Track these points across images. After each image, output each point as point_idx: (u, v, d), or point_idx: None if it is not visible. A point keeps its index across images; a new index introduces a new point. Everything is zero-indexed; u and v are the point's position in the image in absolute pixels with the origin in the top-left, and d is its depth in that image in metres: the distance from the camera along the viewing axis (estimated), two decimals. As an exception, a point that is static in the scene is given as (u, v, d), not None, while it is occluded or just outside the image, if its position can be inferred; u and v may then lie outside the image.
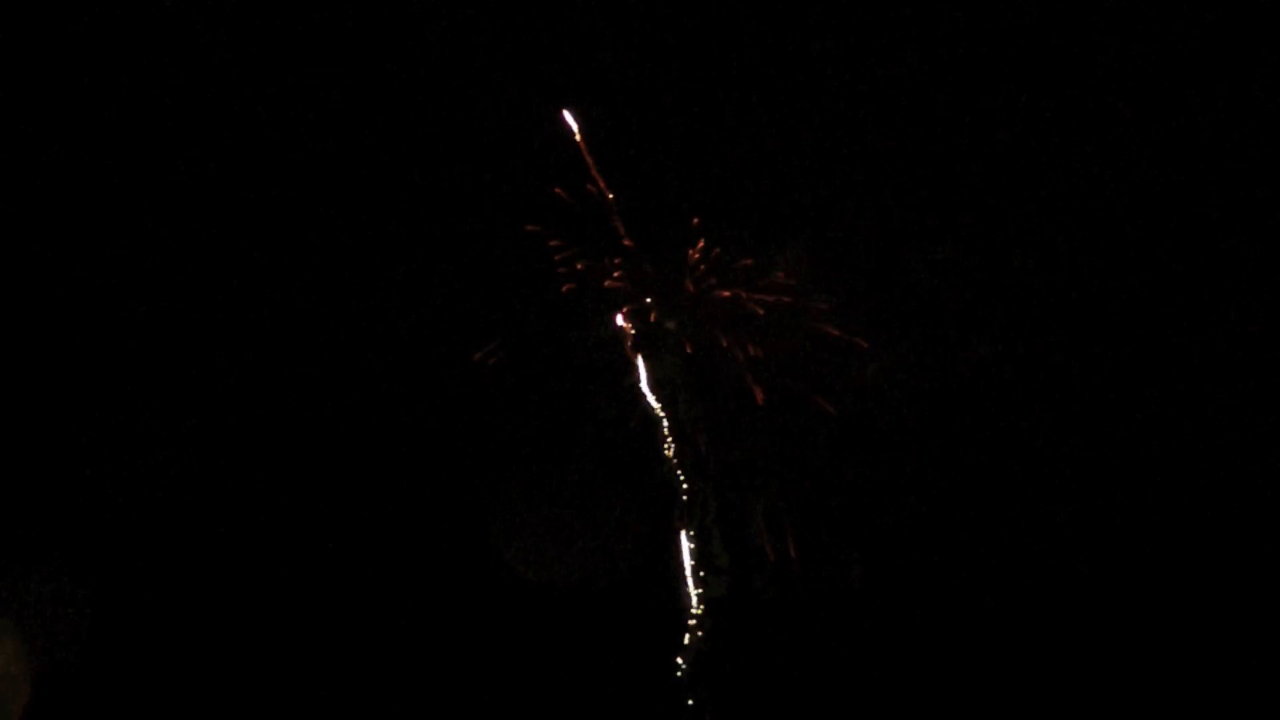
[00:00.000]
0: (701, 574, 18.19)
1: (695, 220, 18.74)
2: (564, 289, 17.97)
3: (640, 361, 18.66)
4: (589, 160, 18.40)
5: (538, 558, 17.56)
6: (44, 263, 16.97)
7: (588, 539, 17.70)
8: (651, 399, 18.60)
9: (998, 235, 18.81)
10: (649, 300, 18.76)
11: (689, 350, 18.79)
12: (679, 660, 17.73)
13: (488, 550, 17.43)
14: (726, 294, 18.88)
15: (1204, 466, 17.40)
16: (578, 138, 18.34)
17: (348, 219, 17.54)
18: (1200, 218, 18.04)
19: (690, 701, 17.56)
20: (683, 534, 18.31)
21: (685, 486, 18.45)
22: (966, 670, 17.54)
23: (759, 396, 18.36)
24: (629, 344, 18.65)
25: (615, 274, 18.59)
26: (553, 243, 18.00)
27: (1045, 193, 18.64)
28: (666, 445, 18.54)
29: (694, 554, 18.28)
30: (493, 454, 17.76)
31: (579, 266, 18.28)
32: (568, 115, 18.33)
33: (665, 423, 18.61)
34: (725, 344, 18.79)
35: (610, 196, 18.41)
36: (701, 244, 18.92)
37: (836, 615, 18.05)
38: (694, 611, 18.01)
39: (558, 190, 17.89)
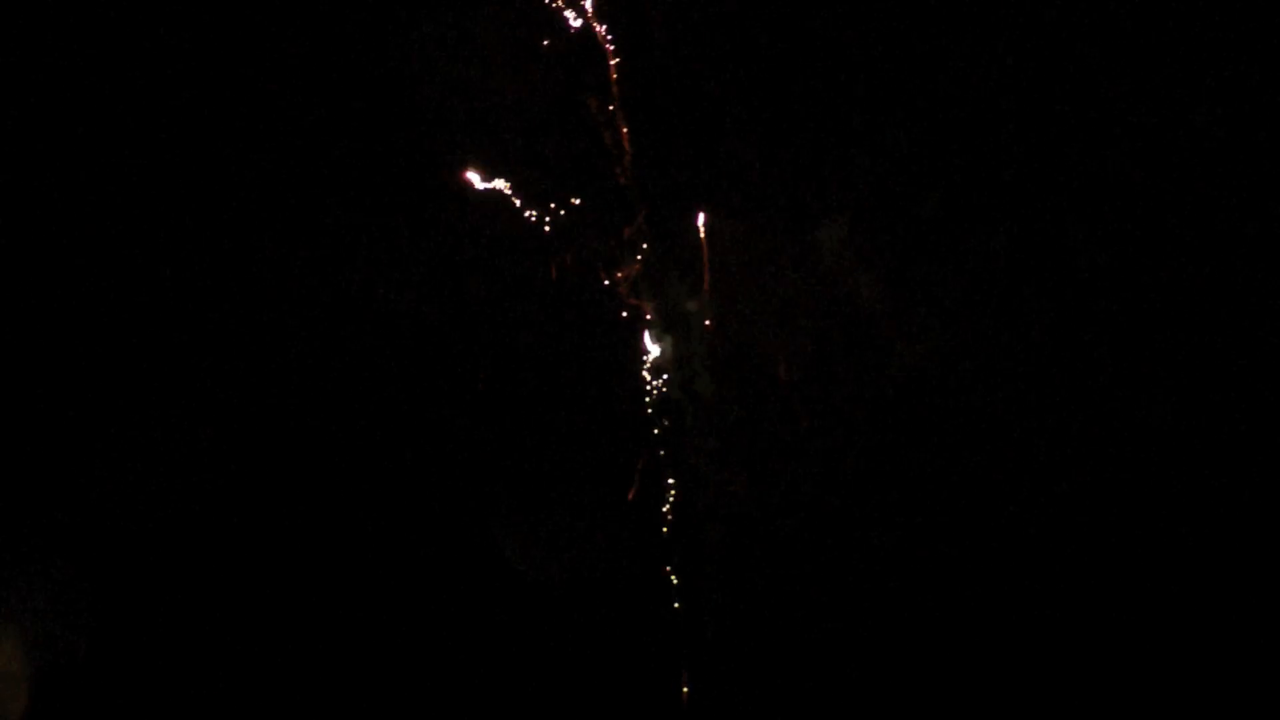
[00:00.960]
0: (714, 569, 17.31)
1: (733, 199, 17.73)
2: (561, 273, 17.12)
3: (656, 348, 17.64)
4: (600, 128, 17.42)
5: (538, 555, 16.95)
6: (44, 262, 16.93)
7: (591, 535, 17.00)
8: (666, 388, 17.60)
9: (1051, 219, 17.20)
10: (666, 281, 17.72)
11: (712, 335, 17.76)
12: (683, 656, 17.02)
13: (487, 548, 16.96)
14: (755, 276, 17.84)
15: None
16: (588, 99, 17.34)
17: (334, 206, 16.99)
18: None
19: (694, 699, 16.86)
20: (697, 527, 17.46)
21: (701, 479, 17.50)
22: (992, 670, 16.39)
23: (804, 421, 17.36)
24: (643, 330, 17.64)
25: (635, 257, 17.62)
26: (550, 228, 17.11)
27: (1102, 175, 16.88)
28: (680, 436, 17.56)
29: (707, 548, 17.39)
30: (491, 448, 17.15)
31: (586, 249, 17.40)
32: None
33: (681, 414, 17.60)
34: (753, 330, 17.79)
35: (625, 161, 17.41)
36: (729, 222, 17.86)
37: (855, 613, 16.97)
38: (703, 608, 17.17)
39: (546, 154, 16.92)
